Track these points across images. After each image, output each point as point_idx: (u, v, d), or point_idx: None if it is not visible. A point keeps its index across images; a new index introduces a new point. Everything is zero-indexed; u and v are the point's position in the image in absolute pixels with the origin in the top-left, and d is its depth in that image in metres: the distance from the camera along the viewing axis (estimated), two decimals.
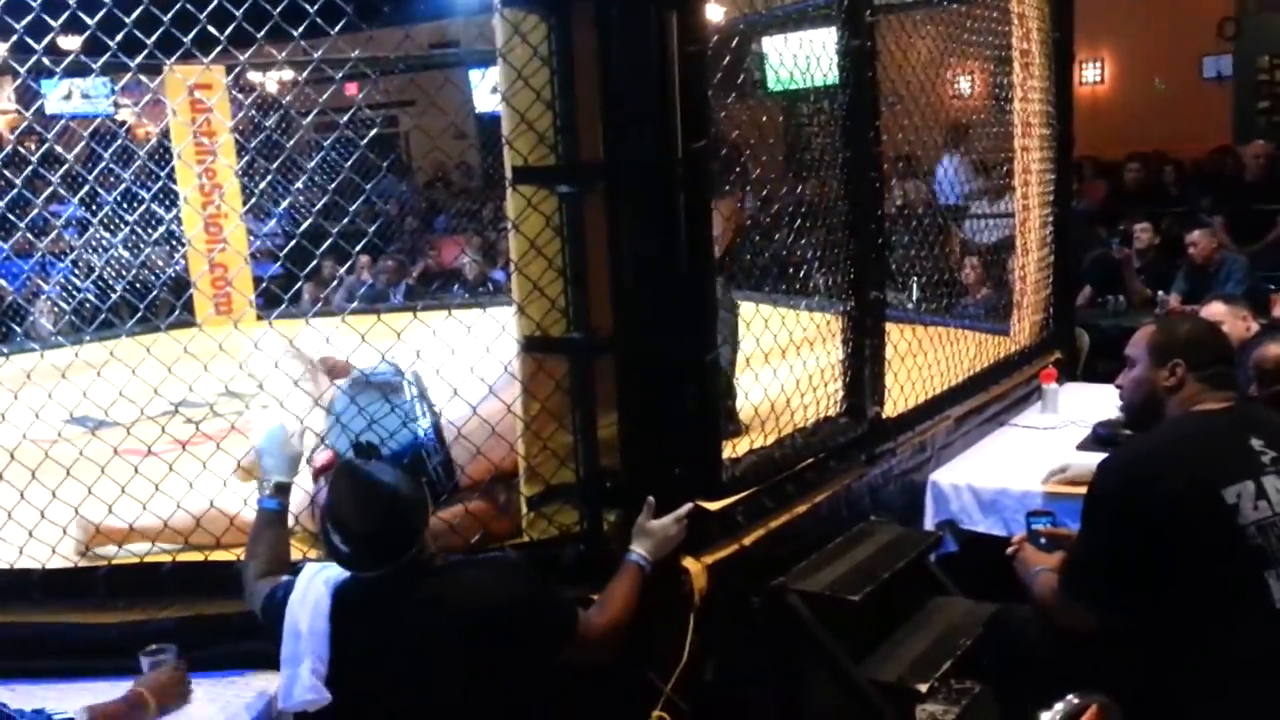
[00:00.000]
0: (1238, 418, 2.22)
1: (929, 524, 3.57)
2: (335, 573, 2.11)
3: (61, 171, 2.54)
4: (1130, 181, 8.62)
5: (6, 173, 2.56)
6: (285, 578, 2.20)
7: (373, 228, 2.77)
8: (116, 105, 7.06)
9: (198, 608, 2.49)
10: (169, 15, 2.41)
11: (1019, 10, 4.31)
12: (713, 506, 2.69)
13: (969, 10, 4.31)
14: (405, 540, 2.07)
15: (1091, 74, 10.53)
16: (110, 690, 2.19)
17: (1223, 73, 10.09)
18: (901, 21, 3.71)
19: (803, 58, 3.32)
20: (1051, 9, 4.51)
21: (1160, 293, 6.25)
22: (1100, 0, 7.99)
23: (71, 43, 2.51)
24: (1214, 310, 3.72)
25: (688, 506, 2.53)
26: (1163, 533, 2.08)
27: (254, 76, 6.06)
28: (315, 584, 2.10)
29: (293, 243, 2.73)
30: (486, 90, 11.32)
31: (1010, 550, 2.63)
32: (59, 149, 2.55)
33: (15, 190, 2.48)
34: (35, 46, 2.42)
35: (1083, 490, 2.31)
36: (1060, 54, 4.60)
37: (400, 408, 2.79)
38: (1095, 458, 3.11)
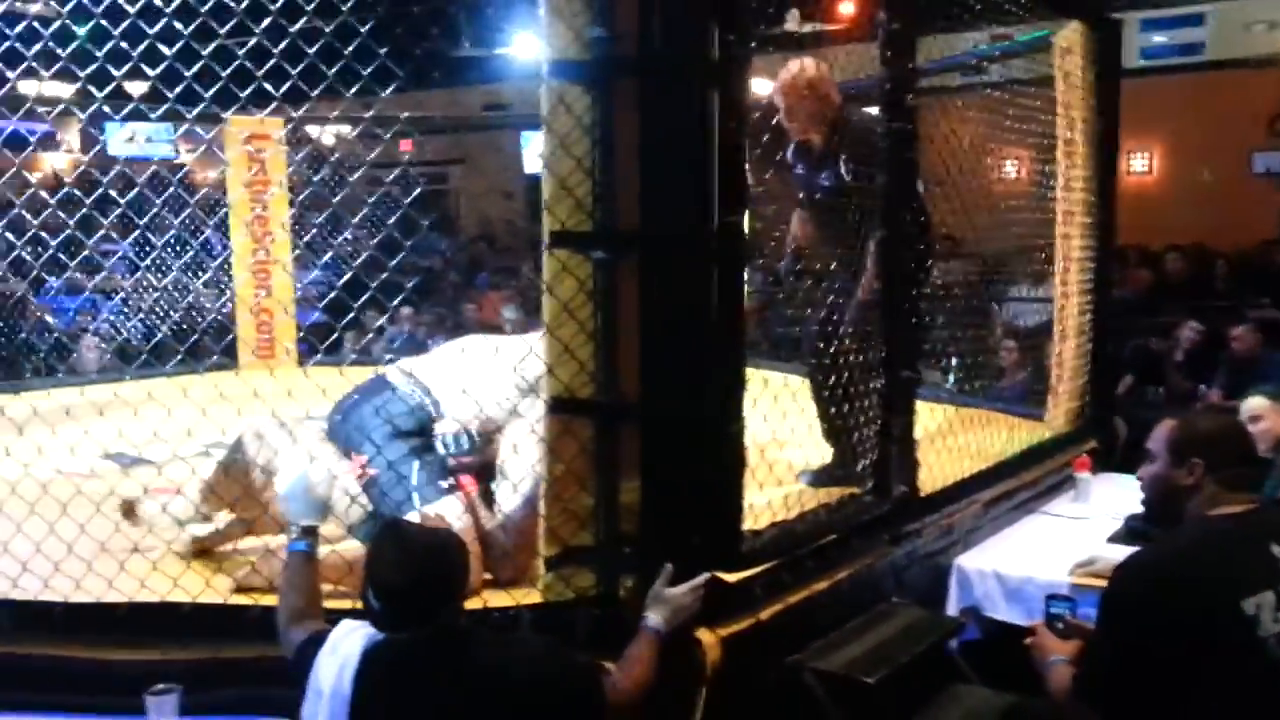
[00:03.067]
0: (1258, 523, 2.16)
1: (952, 609, 3.51)
2: (370, 632, 2.10)
3: (118, 212, 2.62)
4: (1171, 272, 8.56)
5: (61, 213, 2.65)
6: (321, 628, 2.19)
7: (412, 282, 2.83)
8: (177, 150, 7.29)
9: (213, 650, 2.50)
10: (228, 69, 2.51)
11: (1064, 99, 4.35)
12: (730, 578, 2.67)
13: (1013, 97, 4.35)
14: (438, 602, 2.06)
15: (1139, 164, 10.53)
16: None
17: (1273, 169, 10.04)
18: (944, 105, 3.76)
19: None
20: (1097, 100, 4.54)
21: (1201, 386, 6.16)
22: (1151, 92, 8.03)
23: (135, 88, 2.61)
24: (1256, 405, 3.64)
25: (704, 576, 2.51)
26: (1179, 644, 2.02)
27: (311, 130, 6.23)
28: (348, 641, 2.09)
29: (334, 292, 2.78)
30: (535, 153, 11.54)
31: (1028, 640, 2.58)
32: (112, 192, 2.63)
33: (71, 229, 2.56)
34: (96, 93, 2.52)
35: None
36: (1105, 143, 4.62)
37: (401, 394, 2.95)
38: (1125, 551, 3.07)
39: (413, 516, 2.77)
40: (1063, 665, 2.34)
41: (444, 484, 2.90)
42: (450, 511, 2.83)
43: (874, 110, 3.42)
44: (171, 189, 2.83)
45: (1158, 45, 10.01)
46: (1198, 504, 2.20)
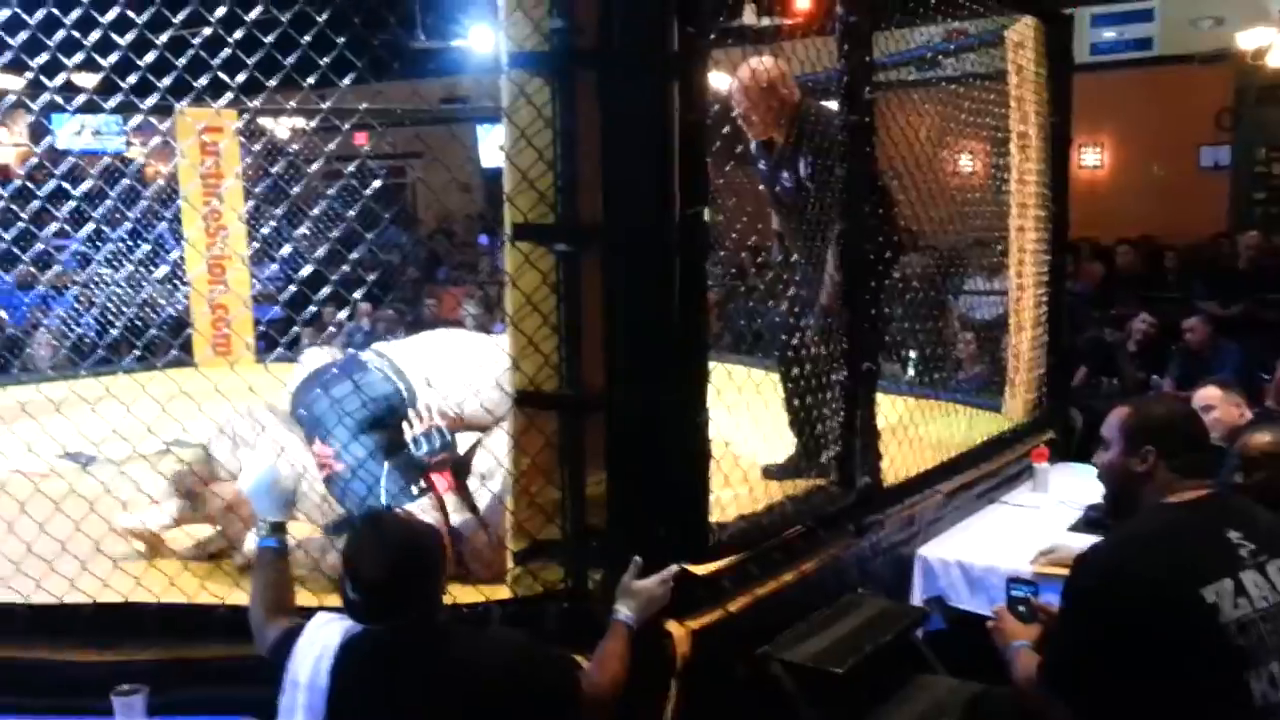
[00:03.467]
0: (1214, 509, 2.17)
1: (916, 599, 3.55)
2: (346, 625, 2.09)
3: (69, 207, 2.58)
4: (1121, 265, 8.71)
5: (14, 206, 2.60)
6: (296, 622, 2.18)
7: (373, 276, 2.81)
8: (128, 143, 7.16)
9: (179, 650, 2.48)
10: (183, 59, 2.47)
11: (1017, 94, 4.40)
12: (699, 570, 2.68)
13: (967, 91, 4.40)
14: (415, 594, 2.06)
15: (1091, 159, 10.70)
16: None
17: (1220, 162, 10.26)
18: (900, 99, 3.79)
19: None
20: (1050, 94, 4.60)
21: (1155, 376, 6.27)
22: (1102, 87, 8.15)
23: (85, 80, 2.56)
24: (1208, 395, 3.72)
25: (673, 568, 2.51)
26: (1141, 633, 2.04)
27: (264, 122, 6.16)
28: (325, 633, 2.09)
29: (292, 288, 2.75)
30: (493, 146, 11.50)
31: (990, 624, 2.59)
32: (65, 185, 2.58)
33: (22, 224, 2.51)
34: (48, 84, 2.47)
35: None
36: (1058, 138, 4.68)
37: (354, 377, 2.90)
38: (1086, 539, 3.10)
39: None
40: (1026, 650, 2.35)
41: (414, 488, 2.87)
42: (421, 512, 2.81)
43: (832, 104, 3.45)
44: (125, 181, 2.79)
45: (1108, 40, 10.17)
46: (1152, 491, 2.20)
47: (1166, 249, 9.04)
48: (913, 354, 5.11)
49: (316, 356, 3.28)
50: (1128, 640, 2.04)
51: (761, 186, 3.76)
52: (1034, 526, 3.75)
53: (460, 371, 3.00)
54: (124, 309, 5.51)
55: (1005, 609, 2.57)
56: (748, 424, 3.43)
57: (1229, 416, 3.63)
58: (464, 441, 3.10)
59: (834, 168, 3.30)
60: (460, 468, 3.04)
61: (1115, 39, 10.17)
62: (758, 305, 3.87)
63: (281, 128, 6.42)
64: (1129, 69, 9.95)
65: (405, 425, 2.96)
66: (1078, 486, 4.02)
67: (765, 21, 3.64)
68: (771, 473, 3.62)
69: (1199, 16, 9.79)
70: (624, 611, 2.40)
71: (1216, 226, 9.58)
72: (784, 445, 3.68)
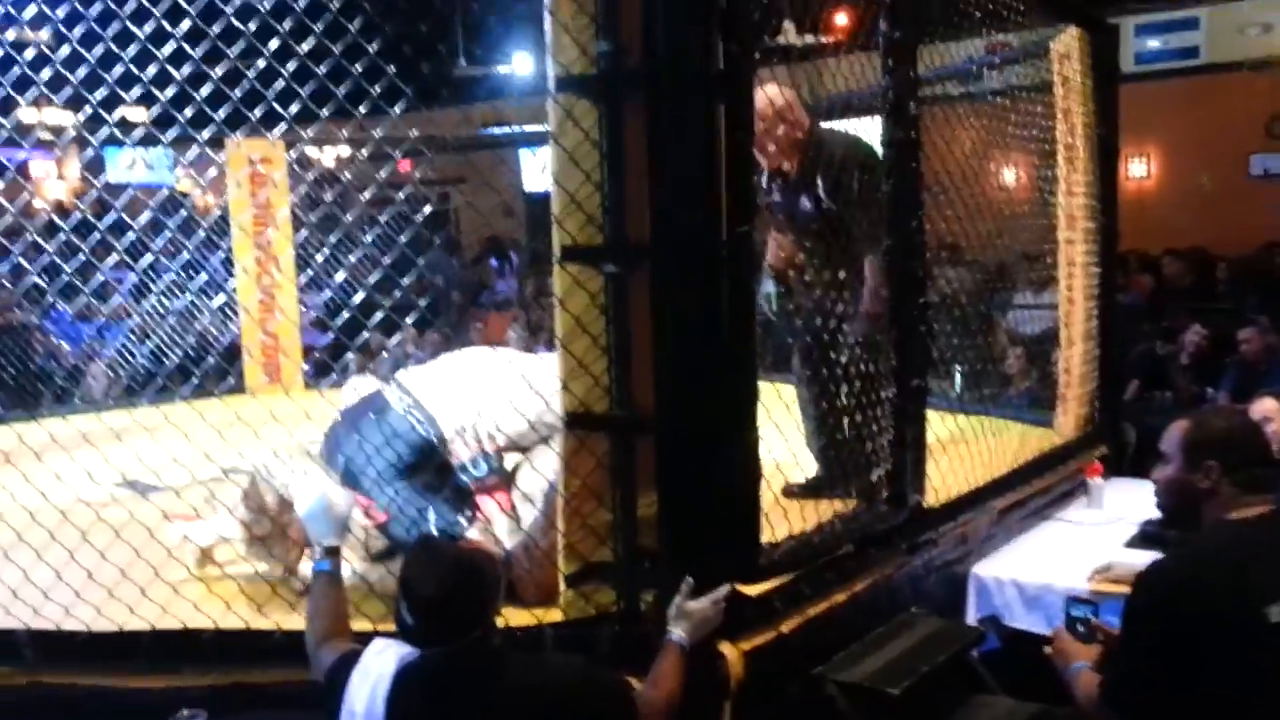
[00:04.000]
0: (1278, 525, 2.15)
1: (971, 618, 3.51)
2: (402, 651, 2.09)
3: (127, 241, 2.64)
4: (1170, 276, 8.59)
5: (74, 239, 2.66)
6: (352, 648, 2.19)
7: (421, 302, 2.83)
8: (177, 177, 7.33)
9: (236, 676, 2.51)
10: (237, 90, 2.53)
11: (1064, 106, 4.38)
12: (750, 591, 2.66)
13: (1014, 104, 4.38)
14: (470, 617, 2.07)
15: (1138, 169, 10.58)
16: None
17: (1271, 170, 10.10)
18: (946, 114, 3.78)
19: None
20: (1097, 106, 4.57)
21: (1209, 389, 6.17)
22: (1148, 97, 8.08)
23: (137, 113, 2.63)
24: (1265, 406, 3.64)
25: (725, 589, 2.50)
26: (1205, 651, 2.02)
27: (310, 152, 6.29)
28: (380, 661, 2.08)
29: (344, 314, 2.79)
30: (536, 170, 11.62)
31: (1048, 647, 2.55)
32: (125, 218, 2.64)
33: (82, 256, 2.58)
34: (107, 118, 2.54)
35: (1128, 589, 2.26)
36: (1105, 149, 4.65)
37: (381, 423, 2.89)
38: (1142, 556, 3.05)
39: None
40: (1087, 671, 2.34)
41: (463, 518, 2.88)
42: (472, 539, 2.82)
43: (838, 125, 3.45)
44: (182, 213, 2.86)
45: (1153, 49, 10.09)
46: (1215, 507, 2.18)
47: (1217, 259, 8.91)
48: (960, 370, 5.06)
49: (363, 384, 3.29)
50: (1190, 659, 2.02)
51: (779, 218, 3.73)
52: (1089, 543, 3.70)
53: (491, 392, 2.97)
54: (179, 339, 5.64)
55: (1064, 630, 2.55)
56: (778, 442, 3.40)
57: None
58: (510, 460, 3.10)
59: (853, 188, 3.31)
60: (509, 483, 3.04)
61: (1160, 48, 10.08)
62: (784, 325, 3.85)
63: (327, 156, 6.54)
64: (1175, 78, 9.87)
65: (452, 453, 2.94)
66: (1133, 502, 3.96)
67: (806, 39, 3.62)
68: (793, 492, 3.57)
69: (1246, 23, 9.69)
70: (677, 633, 2.39)
71: (1267, 235, 9.43)
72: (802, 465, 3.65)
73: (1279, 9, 9.44)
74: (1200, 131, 10.02)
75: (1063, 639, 2.51)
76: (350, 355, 3.11)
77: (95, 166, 5.87)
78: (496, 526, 2.91)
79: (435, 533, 2.82)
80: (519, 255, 11.42)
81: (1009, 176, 4.80)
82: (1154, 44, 10.09)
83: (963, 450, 3.68)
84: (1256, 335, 6.11)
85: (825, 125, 3.58)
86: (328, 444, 3.04)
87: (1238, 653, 2.00)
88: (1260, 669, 2.00)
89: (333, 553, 2.45)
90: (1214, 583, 2.05)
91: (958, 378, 4.88)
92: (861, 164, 3.39)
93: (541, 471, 2.87)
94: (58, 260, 2.63)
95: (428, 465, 2.90)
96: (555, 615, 2.66)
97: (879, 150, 3.33)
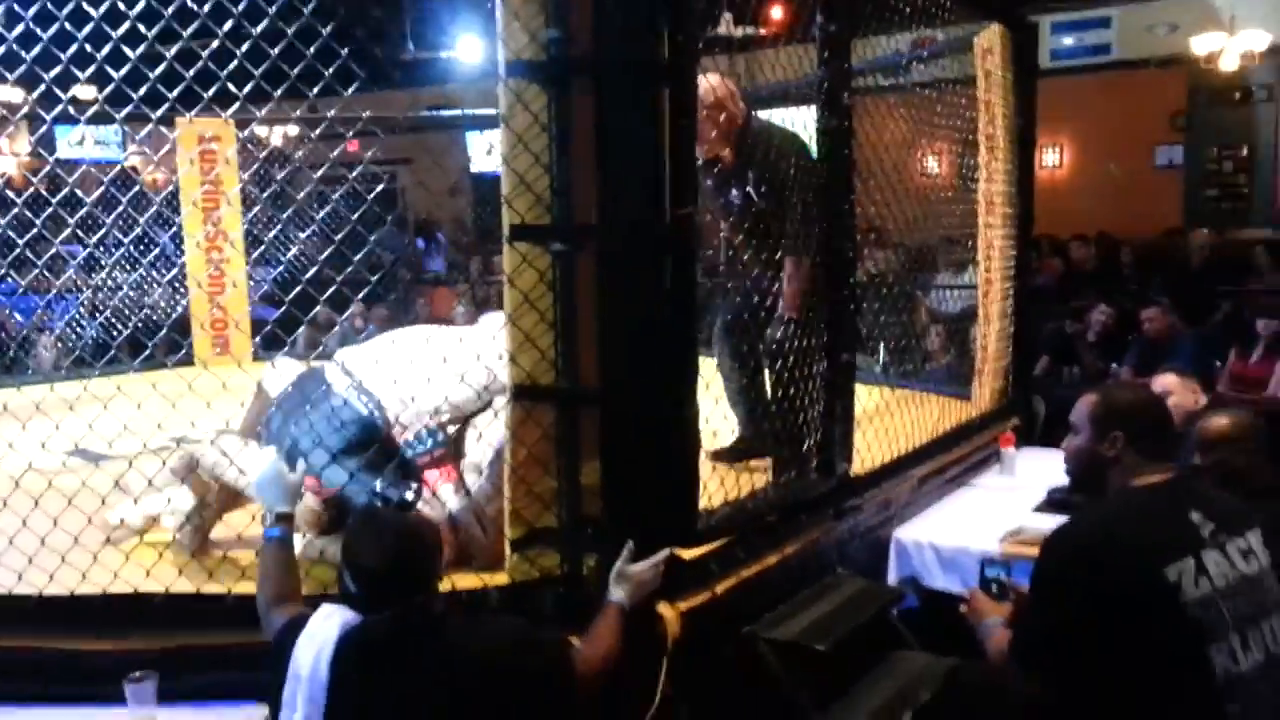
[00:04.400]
0: (1177, 491, 2.25)
1: (892, 579, 3.69)
2: (346, 616, 2.15)
3: (80, 215, 2.66)
4: (1077, 260, 8.94)
5: (30, 214, 2.67)
6: (300, 611, 2.24)
7: (376, 276, 2.89)
8: (125, 152, 7.21)
9: (187, 638, 2.55)
10: (191, 71, 2.56)
11: (986, 98, 4.56)
12: (688, 554, 2.77)
13: (939, 96, 4.55)
14: (413, 582, 2.14)
15: (1051, 158, 10.95)
16: (96, 717, 2.23)
17: (1174, 161, 10.54)
18: (876, 104, 3.93)
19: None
20: (1016, 98, 4.77)
21: (1114, 365, 6.48)
22: (1062, 91, 8.37)
23: (87, 90, 2.64)
24: (1166, 381, 3.86)
25: (665, 553, 2.61)
26: (1107, 611, 2.11)
27: (259, 130, 6.27)
28: (325, 625, 2.14)
29: (298, 288, 2.83)
30: (482, 151, 11.66)
31: (963, 606, 2.66)
32: (79, 193, 2.66)
33: (39, 228, 2.59)
34: (61, 94, 2.55)
35: (1037, 551, 2.37)
36: (1023, 139, 4.86)
37: (324, 405, 2.94)
38: (1049, 520, 3.25)
39: None
40: (999, 627, 2.45)
41: (409, 492, 2.95)
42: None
43: (774, 114, 3.53)
44: (135, 189, 2.88)
45: (1067, 46, 10.42)
46: (1119, 474, 2.28)
47: (1122, 244, 9.29)
48: (883, 346, 5.26)
49: (285, 366, 3.31)
50: (1093, 617, 2.11)
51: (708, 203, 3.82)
52: (1002, 508, 3.90)
53: (433, 366, 3.03)
54: (129, 312, 5.61)
55: (978, 590, 2.68)
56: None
57: (1186, 402, 3.77)
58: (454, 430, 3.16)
59: (785, 181, 3.41)
60: (456, 454, 3.12)
61: (1075, 45, 10.42)
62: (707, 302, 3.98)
63: (276, 135, 6.51)
64: (1087, 73, 10.20)
65: (397, 430, 3.01)
66: (1042, 470, 4.17)
67: (740, 31, 3.73)
68: (721, 456, 3.72)
69: (1155, 23, 10.07)
70: (617, 594, 2.49)
71: (1170, 222, 9.86)
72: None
73: (1186, 10, 9.79)
74: (1109, 124, 10.38)
75: (977, 598, 2.62)
76: (301, 330, 3.14)
77: (46, 142, 5.77)
78: (442, 494, 3.00)
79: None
80: (444, 236, 11.48)
81: (934, 164, 4.99)
82: (1068, 41, 10.42)
83: (887, 421, 3.85)
84: (1159, 315, 6.41)
85: (762, 115, 3.67)
86: (268, 425, 3.08)
87: (1138, 611, 2.10)
88: (1159, 626, 2.09)
89: (284, 519, 2.51)
90: (1115, 544, 2.15)
91: (882, 353, 5.08)
92: (793, 160, 3.46)
93: (489, 441, 2.96)
94: (10, 234, 2.64)
95: (373, 443, 2.96)
96: (501, 578, 2.75)
97: (813, 143, 3.45)
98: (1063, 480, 3.83)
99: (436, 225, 11.72)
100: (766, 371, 3.55)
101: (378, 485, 2.91)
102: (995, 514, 3.82)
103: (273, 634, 2.26)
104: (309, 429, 2.94)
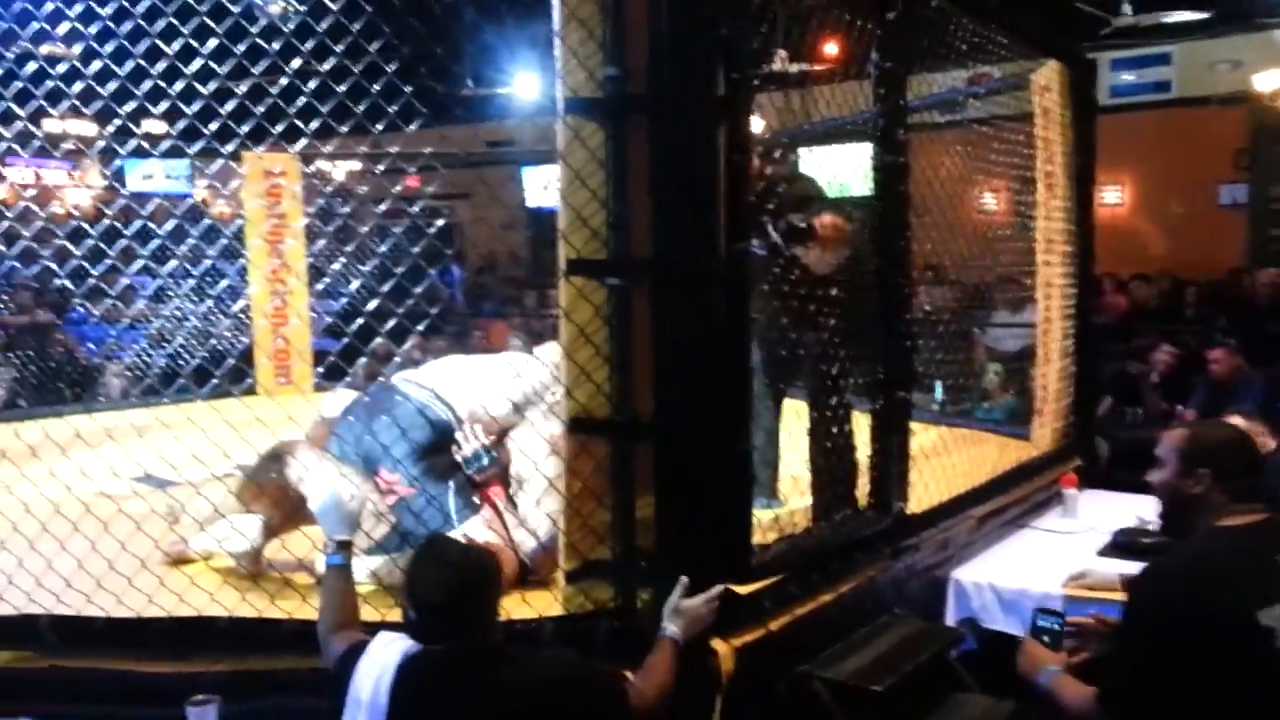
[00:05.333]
0: (1266, 534, 2.18)
1: (950, 620, 3.63)
2: (407, 645, 2.17)
3: (152, 247, 2.74)
4: (1139, 299, 8.79)
5: (105, 246, 2.77)
6: (360, 638, 2.27)
7: (435, 309, 2.96)
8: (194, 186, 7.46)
9: (248, 662, 2.59)
10: (260, 108, 2.65)
11: (1044, 135, 4.54)
12: (742, 590, 2.75)
13: (996, 133, 4.54)
14: (471, 616, 2.15)
15: (1112, 196, 10.82)
16: None
17: (1238, 200, 10.36)
18: (933, 140, 3.93)
19: (840, 169, 3.50)
20: (1075, 135, 4.74)
21: (1179, 406, 6.34)
22: (1122, 128, 8.29)
23: (159, 125, 2.74)
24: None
25: (719, 588, 2.60)
26: (1203, 656, 2.05)
27: (323, 165, 6.46)
28: (386, 653, 2.16)
29: (360, 320, 2.91)
30: (539, 186, 11.85)
31: (1018, 655, 2.54)
32: (151, 226, 2.75)
33: (114, 259, 2.68)
34: (135, 130, 2.65)
35: (1101, 595, 2.31)
36: (1082, 177, 4.82)
37: (405, 406, 3.06)
38: (1115, 564, 3.18)
39: (455, 536, 2.87)
40: (1063, 675, 2.36)
41: (471, 507, 3.01)
42: (478, 529, 2.94)
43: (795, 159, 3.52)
44: (204, 223, 2.97)
45: (1128, 83, 10.33)
46: (1205, 513, 2.22)
47: (1186, 284, 9.13)
48: (939, 384, 5.21)
49: (347, 396, 3.42)
50: (1184, 663, 2.05)
51: None
52: (1063, 551, 3.83)
53: (482, 382, 3.19)
54: (199, 342, 5.79)
55: (1031, 639, 2.61)
56: None
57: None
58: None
59: (808, 233, 3.39)
60: (504, 473, 3.18)
61: (1135, 81, 10.32)
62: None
63: (339, 171, 6.70)
64: (1148, 110, 10.10)
65: (454, 448, 3.10)
66: (1105, 512, 4.10)
67: (794, 68, 3.75)
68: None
69: (1216, 60, 9.95)
70: (671, 629, 2.48)
71: (1233, 261, 9.67)
72: None
73: (1248, 46, 9.68)
74: (1171, 162, 10.25)
75: (1032, 647, 2.52)
76: (362, 360, 3.21)
77: (117, 176, 6.00)
78: (507, 522, 3.05)
79: (455, 514, 2.95)
80: (460, 270, 11.70)
81: (991, 201, 4.97)
82: (1129, 78, 10.33)
83: (944, 460, 3.81)
84: (1226, 356, 6.26)
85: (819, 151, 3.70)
86: (338, 439, 3.16)
87: (1231, 658, 2.04)
88: (1253, 673, 2.04)
89: (344, 547, 2.53)
90: (1207, 589, 2.09)
91: (939, 391, 5.03)
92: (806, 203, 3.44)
93: (528, 454, 3.02)
94: (85, 265, 2.73)
95: (448, 448, 3.09)
96: (555, 610, 2.76)
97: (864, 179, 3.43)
98: (1128, 523, 3.80)
99: (451, 258, 11.99)
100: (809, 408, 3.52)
101: (448, 493, 2.99)
102: (1057, 556, 3.76)
103: (332, 660, 2.29)
104: (389, 425, 3.04)
